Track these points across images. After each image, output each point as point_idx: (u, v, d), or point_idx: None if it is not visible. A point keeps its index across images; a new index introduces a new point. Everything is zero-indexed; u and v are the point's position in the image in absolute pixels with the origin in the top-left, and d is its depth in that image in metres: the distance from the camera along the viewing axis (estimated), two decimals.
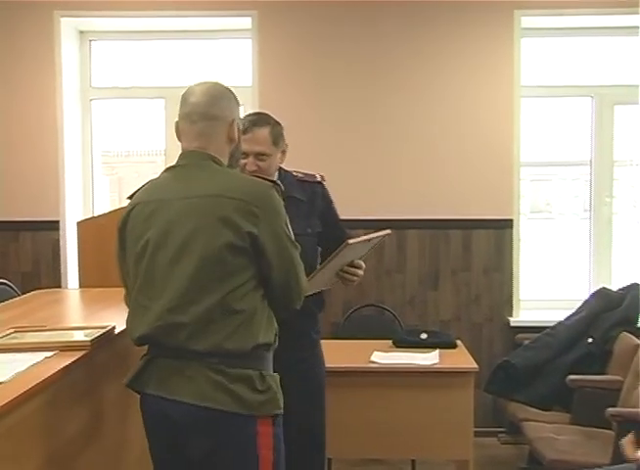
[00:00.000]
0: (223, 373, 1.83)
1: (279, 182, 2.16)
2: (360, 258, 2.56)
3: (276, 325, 1.97)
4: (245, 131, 2.37)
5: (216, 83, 2.06)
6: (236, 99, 2.08)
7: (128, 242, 2.00)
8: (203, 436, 1.85)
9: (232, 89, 2.08)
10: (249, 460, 1.86)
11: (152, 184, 2.04)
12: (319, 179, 2.69)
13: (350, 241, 2.34)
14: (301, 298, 2.00)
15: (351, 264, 2.51)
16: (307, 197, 2.62)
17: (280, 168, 2.63)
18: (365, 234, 4.33)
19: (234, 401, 1.82)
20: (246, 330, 1.86)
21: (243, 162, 2.41)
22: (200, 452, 1.87)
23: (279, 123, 2.58)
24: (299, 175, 2.66)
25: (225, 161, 2.03)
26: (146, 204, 1.97)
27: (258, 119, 2.52)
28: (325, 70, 4.42)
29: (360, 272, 2.55)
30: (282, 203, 1.97)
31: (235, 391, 1.82)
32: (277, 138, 2.53)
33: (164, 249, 1.90)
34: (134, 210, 1.99)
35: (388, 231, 2.59)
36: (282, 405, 1.91)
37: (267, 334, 1.91)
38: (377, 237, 2.55)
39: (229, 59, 4.79)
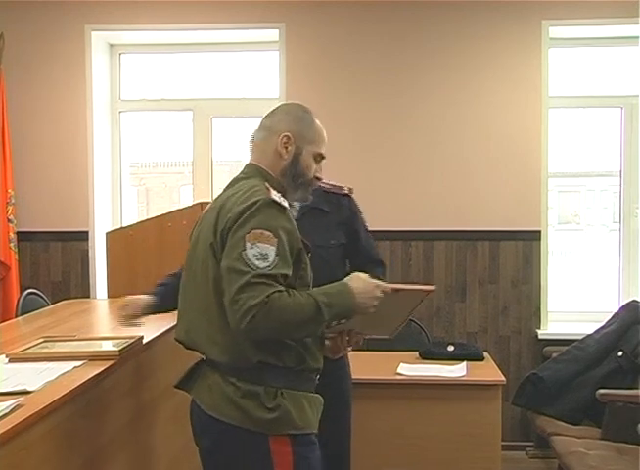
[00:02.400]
0: (234, 386, 1.81)
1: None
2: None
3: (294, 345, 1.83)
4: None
5: (293, 102, 2.11)
6: (302, 118, 2.03)
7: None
8: (218, 446, 1.85)
9: (289, 106, 2.08)
10: None
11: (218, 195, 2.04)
12: (346, 191, 2.66)
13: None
14: (235, 318, 1.70)
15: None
16: (332, 208, 2.59)
17: None
18: (392, 245, 4.38)
19: (243, 417, 1.79)
20: (248, 345, 1.78)
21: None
22: (215, 461, 1.88)
23: None
24: (327, 186, 2.61)
25: (277, 175, 1.97)
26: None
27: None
28: (352, 81, 4.43)
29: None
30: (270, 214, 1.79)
31: (243, 406, 1.79)
32: None
33: (190, 259, 1.97)
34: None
35: (432, 287, 2.02)
36: (307, 424, 1.85)
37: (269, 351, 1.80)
38: (416, 290, 2.06)
39: (257, 71, 4.83)
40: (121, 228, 4.49)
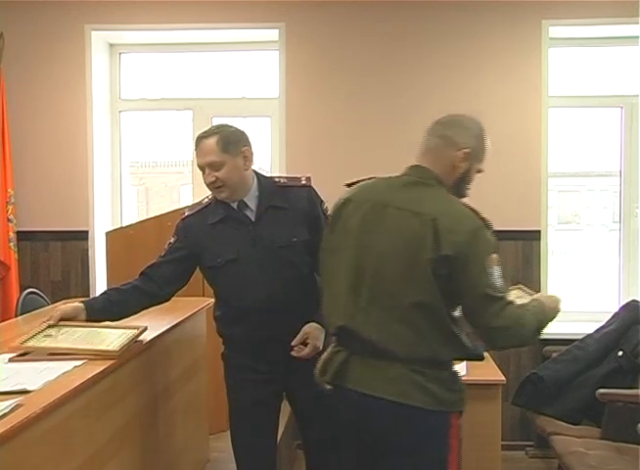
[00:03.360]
0: (423, 374, 2.00)
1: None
2: None
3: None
4: (195, 147, 2.42)
5: (472, 117, 2.18)
6: (480, 137, 2.11)
7: (335, 232, 2.14)
8: (403, 429, 2.01)
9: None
10: (442, 449, 2.03)
11: (367, 185, 2.18)
12: (304, 182, 2.53)
13: None
14: (499, 336, 2.03)
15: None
16: (290, 203, 2.47)
17: (258, 175, 2.52)
18: None
19: (432, 400, 1.99)
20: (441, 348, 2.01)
21: (204, 176, 2.40)
22: (399, 443, 2.03)
23: (236, 131, 2.45)
24: (282, 181, 2.54)
25: (448, 185, 2.08)
26: (360, 203, 2.10)
27: (207, 131, 2.43)
28: (352, 81, 4.43)
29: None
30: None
31: (432, 390, 2.00)
32: (227, 145, 2.38)
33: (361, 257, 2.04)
34: (349, 205, 2.13)
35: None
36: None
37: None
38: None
39: (256, 71, 4.83)
40: (121, 228, 4.49)
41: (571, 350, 3.98)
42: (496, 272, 1.98)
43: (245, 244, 2.40)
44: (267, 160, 4.71)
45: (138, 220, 4.51)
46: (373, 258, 2.02)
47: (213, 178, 2.38)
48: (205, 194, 4.84)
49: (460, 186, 2.11)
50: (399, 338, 1.99)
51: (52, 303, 3.78)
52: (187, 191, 5.11)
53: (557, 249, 5.14)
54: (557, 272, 4.79)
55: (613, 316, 4.10)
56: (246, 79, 4.86)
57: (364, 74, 4.42)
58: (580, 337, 4.06)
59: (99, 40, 4.62)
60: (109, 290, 2.55)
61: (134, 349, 2.35)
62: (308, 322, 2.43)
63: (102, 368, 2.07)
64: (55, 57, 4.54)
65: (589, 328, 4.11)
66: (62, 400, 1.80)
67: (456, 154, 2.06)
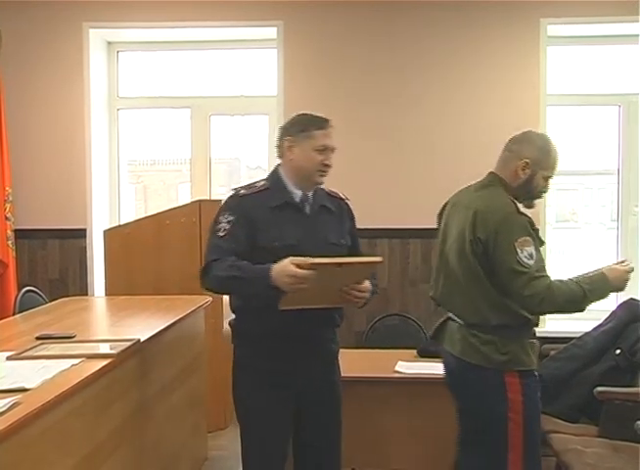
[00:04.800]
0: (477, 337, 2.45)
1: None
2: (357, 283, 2.37)
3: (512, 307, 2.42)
4: (322, 126, 2.41)
5: (541, 133, 2.65)
6: (542, 148, 2.49)
7: (439, 227, 2.70)
8: (465, 380, 2.51)
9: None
10: (500, 404, 2.45)
11: (459, 190, 2.69)
12: (344, 197, 2.63)
13: (316, 260, 2.19)
14: (532, 302, 2.40)
15: (353, 287, 2.35)
16: (337, 209, 2.56)
17: None
18: (390, 243, 4.38)
19: (484, 359, 2.44)
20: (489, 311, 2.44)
21: (321, 158, 2.39)
22: (464, 394, 2.56)
23: None
24: (326, 190, 2.59)
25: (512, 188, 2.49)
26: (450, 204, 2.67)
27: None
28: (350, 78, 4.43)
29: (362, 294, 2.37)
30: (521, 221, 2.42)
31: (483, 351, 2.44)
32: None
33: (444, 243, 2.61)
34: (447, 206, 2.69)
35: (378, 258, 2.45)
36: (530, 364, 2.50)
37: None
38: (361, 263, 2.40)
39: (255, 69, 4.82)
40: (119, 226, 4.49)
41: (568, 348, 3.98)
42: (525, 252, 2.37)
43: (303, 233, 2.41)
44: (265, 158, 4.70)
45: (136, 218, 4.51)
46: (447, 243, 2.58)
47: (330, 162, 2.44)
48: (201, 192, 4.84)
49: (526, 189, 2.52)
50: (460, 306, 2.51)
51: (50, 301, 3.78)
52: (185, 189, 5.10)
53: (555, 247, 5.13)
54: (555, 271, 4.78)
55: (610, 315, 4.09)
56: (244, 77, 4.86)
57: (362, 72, 4.42)
58: (578, 335, 4.06)
59: (97, 38, 4.61)
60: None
61: (131, 347, 2.35)
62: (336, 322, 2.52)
63: (99, 366, 2.07)
64: (53, 55, 4.53)
65: (587, 326, 4.11)
66: (59, 399, 1.80)
67: (518, 163, 2.49)
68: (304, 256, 2.26)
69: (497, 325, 2.44)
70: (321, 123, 2.42)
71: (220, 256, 2.32)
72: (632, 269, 2.47)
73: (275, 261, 2.24)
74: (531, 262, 2.37)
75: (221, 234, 2.36)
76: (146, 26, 4.53)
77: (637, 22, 4.23)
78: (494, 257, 2.38)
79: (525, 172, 2.49)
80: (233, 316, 2.50)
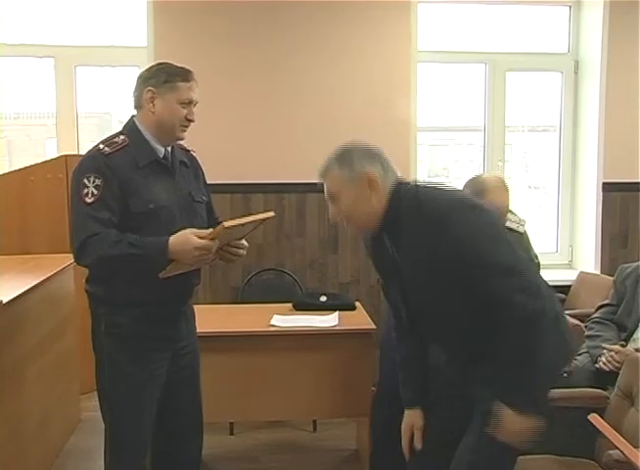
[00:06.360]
0: None
1: None
2: (240, 239, 2.36)
3: None
4: (187, 78, 2.30)
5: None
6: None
7: None
8: None
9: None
10: None
11: None
12: (190, 149, 2.52)
13: (226, 224, 2.14)
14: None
15: (233, 244, 2.33)
16: (191, 164, 2.47)
17: None
18: (265, 198, 4.37)
19: None
20: None
21: (184, 111, 2.29)
22: None
23: None
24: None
25: None
26: None
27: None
28: (221, 29, 4.29)
29: (242, 252, 2.36)
30: None
31: None
32: None
33: None
34: None
35: (271, 213, 2.39)
36: None
37: None
38: (257, 220, 2.34)
39: (124, 18, 4.61)
40: None
41: None
42: None
43: (171, 192, 2.29)
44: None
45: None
46: None
47: (193, 117, 2.34)
48: (68, 148, 4.62)
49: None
50: None
51: None
52: (52, 145, 4.85)
53: None
54: None
55: None
56: (112, 27, 4.64)
57: (234, 22, 4.29)
58: None
59: None
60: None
61: None
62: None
63: None
64: None
65: None
66: None
67: None
68: (174, 217, 2.22)
69: None
70: (186, 75, 2.32)
71: (98, 229, 2.13)
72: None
73: (150, 227, 2.16)
74: None
75: (89, 200, 2.16)
76: None
77: None
78: None
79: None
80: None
